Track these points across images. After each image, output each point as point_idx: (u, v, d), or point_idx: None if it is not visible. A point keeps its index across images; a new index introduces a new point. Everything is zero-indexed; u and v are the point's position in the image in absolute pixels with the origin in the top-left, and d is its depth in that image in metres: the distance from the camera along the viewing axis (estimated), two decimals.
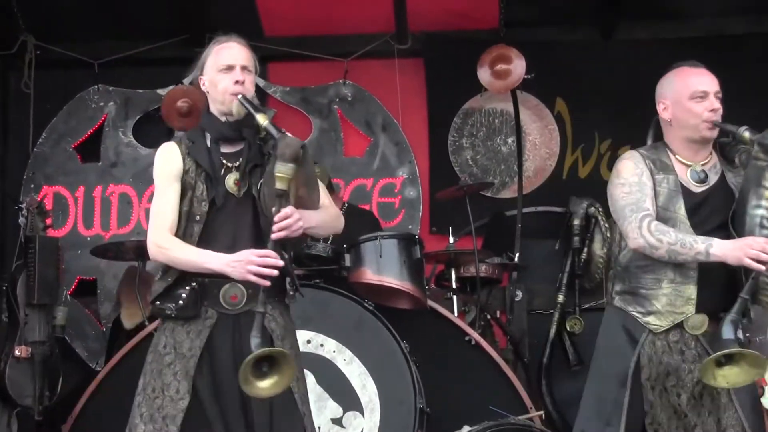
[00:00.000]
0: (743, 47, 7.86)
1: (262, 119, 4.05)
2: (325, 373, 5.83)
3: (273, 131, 4.01)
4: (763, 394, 4.79)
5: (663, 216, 4.31)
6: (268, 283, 3.96)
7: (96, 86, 8.20)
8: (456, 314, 6.47)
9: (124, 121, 8.21)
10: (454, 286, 6.69)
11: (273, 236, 3.97)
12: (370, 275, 5.99)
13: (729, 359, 4.03)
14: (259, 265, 3.95)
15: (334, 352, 5.85)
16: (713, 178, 4.37)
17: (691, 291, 4.22)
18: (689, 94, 4.33)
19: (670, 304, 4.25)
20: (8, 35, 8.02)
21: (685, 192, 4.33)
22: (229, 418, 4.03)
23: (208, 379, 4.06)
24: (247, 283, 4.03)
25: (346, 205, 7.33)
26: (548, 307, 7.25)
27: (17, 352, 6.40)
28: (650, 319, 4.28)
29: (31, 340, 6.48)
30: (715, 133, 4.33)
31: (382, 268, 5.99)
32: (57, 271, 6.87)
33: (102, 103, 8.21)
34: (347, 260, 6.07)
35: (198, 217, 4.12)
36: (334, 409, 5.79)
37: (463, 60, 7.92)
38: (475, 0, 7.94)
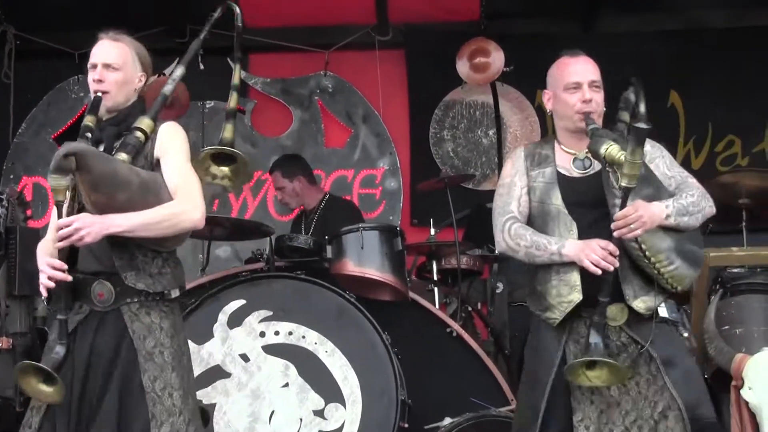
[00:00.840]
0: (724, 40, 7.89)
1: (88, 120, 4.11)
2: (306, 364, 5.82)
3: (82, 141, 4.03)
4: (742, 386, 4.81)
5: (540, 210, 4.31)
6: (52, 284, 3.97)
7: (76, 77, 8.18)
8: (437, 306, 6.49)
9: None
10: (435, 277, 6.71)
11: (57, 245, 3.98)
12: (351, 267, 6.00)
13: (595, 363, 4.05)
14: (50, 272, 3.98)
15: (315, 343, 5.85)
16: (598, 165, 4.30)
17: (575, 278, 4.18)
18: (563, 85, 4.34)
19: (558, 294, 4.22)
20: None
21: (563, 181, 4.30)
22: (77, 414, 4.01)
23: (67, 373, 4.02)
24: (115, 282, 4.03)
25: (328, 196, 7.34)
26: None
27: None
28: (547, 314, 4.26)
29: (12, 331, 6.44)
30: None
31: (364, 260, 5.99)
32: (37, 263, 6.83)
33: (82, 94, 8.18)
34: (329, 252, 6.07)
35: None
36: (315, 400, 5.79)
37: (444, 52, 7.94)
38: None
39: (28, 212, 6.80)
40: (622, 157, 4.00)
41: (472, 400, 5.71)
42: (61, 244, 3.95)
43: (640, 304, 4.17)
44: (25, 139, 8.15)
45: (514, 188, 4.37)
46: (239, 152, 4.18)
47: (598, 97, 4.31)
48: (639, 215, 4.05)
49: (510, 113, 8.22)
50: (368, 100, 8.28)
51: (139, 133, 4.14)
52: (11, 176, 8.11)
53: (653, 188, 4.21)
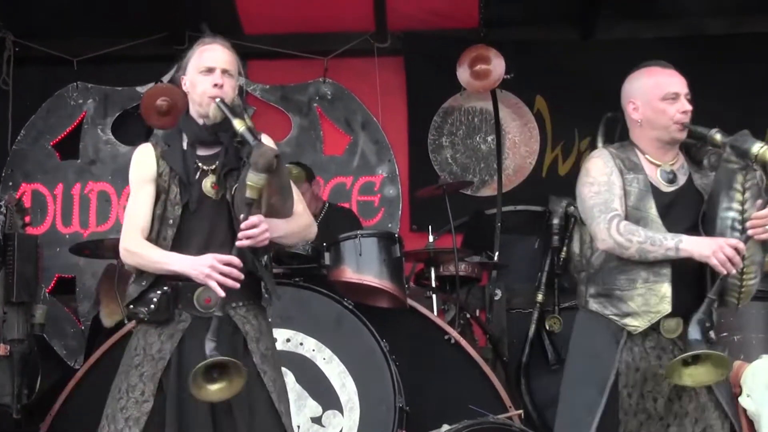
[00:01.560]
0: (723, 48, 7.90)
1: (239, 125, 4.02)
2: (304, 371, 5.82)
3: (249, 138, 3.98)
4: (740, 394, 4.81)
5: (634, 216, 4.27)
6: (223, 293, 3.93)
7: (75, 83, 8.18)
8: (435, 313, 6.47)
9: (103, 118, 8.19)
10: (433, 284, 6.69)
11: (237, 243, 3.97)
12: (350, 274, 5.99)
13: (695, 359, 4.02)
14: (220, 272, 3.95)
15: (313, 350, 5.85)
16: (682, 179, 4.33)
17: (666, 289, 4.17)
18: (661, 95, 4.29)
19: (645, 303, 4.20)
20: None
21: (656, 192, 4.29)
22: (192, 422, 4.01)
23: (174, 383, 4.03)
24: (222, 286, 3.99)
25: (327, 205, 7.33)
26: (527, 306, 7.25)
27: None
28: (627, 320, 4.23)
29: (9, 338, 6.44)
30: (684, 134, 4.28)
31: (362, 267, 5.99)
32: (36, 269, 6.83)
33: (81, 101, 8.19)
34: (327, 259, 6.07)
35: (171, 220, 4.10)
36: (313, 407, 5.79)
37: (443, 59, 7.94)
38: None
39: (27, 219, 6.81)
40: None
41: (470, 407, 5.71)
42: (246, 243, 3.96)
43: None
44: (24, 146, 8.15)
45: (614, 186, 4.29)
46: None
47: (690, 110, 4.31)
48: None
49: (509, 119, 8.22)
50: (367, 107, 8.28)
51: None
52: (10, 183, 8.08)
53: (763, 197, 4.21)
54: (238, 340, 4.09)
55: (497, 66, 7.79)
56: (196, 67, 4.18)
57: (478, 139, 8.28)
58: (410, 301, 6.14)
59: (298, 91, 8.36)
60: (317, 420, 5.78)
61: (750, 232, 4.06)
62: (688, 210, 4.30)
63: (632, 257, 4.20)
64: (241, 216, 3.97)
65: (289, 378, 5.77)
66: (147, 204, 4.13)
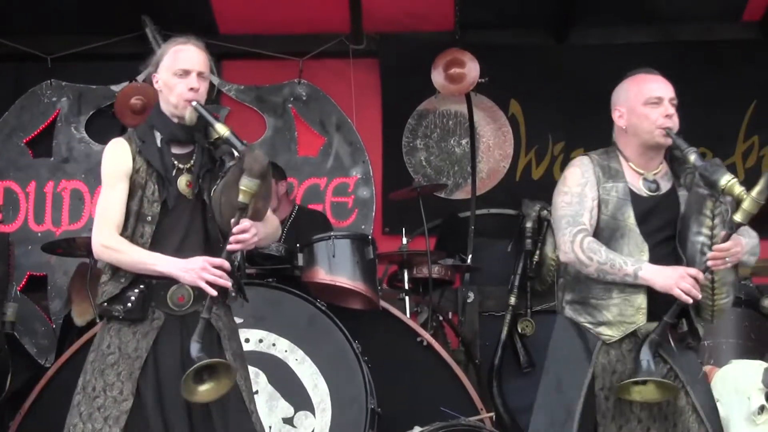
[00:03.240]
0: (696, 53, 7.94)
1: (223, 130, 4.04)
2: (276, 372, 5.83)
3: (236, 143, 4.01)
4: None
5: (611, 226, 4.29)
6: (215, 292, 3.97)
7: (49, 81, 8.13)
8: (408, 315, 6.49)
9: (77, 116, 8.15)
10: (406, 286, 6.72)
11: (229, 247, 4.01)
12: (322, 275, 6.00)
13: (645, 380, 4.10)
14: (213, 275, 3.97)
15: (286, 351, 5.85)
16: (665, 186, 4.36)
17: (642, 300, 4.20)
18: (644, 100, 4.31)
19: (620, 314, 4.23)
20: None
21: (635, 198, 4.30)
22: (172, 420, 4.02)
23: (152, 381, 4.04)
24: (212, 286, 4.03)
25: (297, 208, 7.33)
26: (500, 309, 7.29)
27: None
28: (601, 329, 4.26)
29: None
30: (669, 140, 4.29)
31: (335, 268, 6.00)
32: (7, 267, 6.82)
33: (55, 98, 8.14)
34: (300, 260, 6.08)
35: (149, 218, 4.10)
36: (285, 408, 5.79)
37: (418, 61, 7.93)
38: (431, 2, 7.94)
39: None
40: (744, 194, 4.00)
41: (441, 409, 5.72)
42: (237, 247, 4.02)
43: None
44: None
45: (585, 199, 4.32)
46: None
47: (676, 116, 4.32)
48: (737, 251, 4.11)
49: (483, 123, 8.23)
50: (342, 108, 8.28)
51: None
52: None
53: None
54: (212, 337, 4.09)
55: (472, 69, 7.79)
56: (171, 68, 4.17)
57: (452, 142, 8.29)
58: (383, 303, 6.16)
59: (272, 91, 8.34)
60: (289, 421, 5.78)
61: (710, 263, 4.10)
62: (668, 217, 4.32)
63: (590, 275, 4.25)
64: (232, 220, 3.99)
65: (261, 378, 5.78)
66: (122, 200, 4.12)
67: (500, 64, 7.90)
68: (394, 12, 7.96)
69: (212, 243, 4.13)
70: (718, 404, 4.53)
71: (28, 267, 7.90)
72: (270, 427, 5.71)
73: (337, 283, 5.98)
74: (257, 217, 4.10)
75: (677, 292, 4.09)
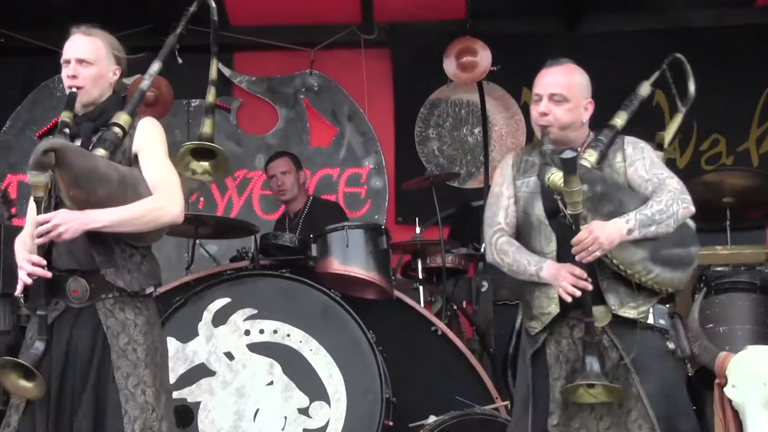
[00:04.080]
0: (708, 39, 7.91)
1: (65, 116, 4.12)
2: (291, 363, 5.83)
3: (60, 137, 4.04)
4: (726, 384, 4.81)
5: (524, 220, 4.31)
6: (29, 280, 3.97)
7: (61, 74, 8.12)
8: (422, 305, 6.49)
9: None
10: (420, 276, 6.71)
11: (36, 241, 3.98)
12: (336, 265, 6.00)
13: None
14: (29, 272, 3.98)
15: (300, 342, 5.86)
16: None
17: (554, 291, 4.18)
18: (532, 97, 4.35)
19: (539, 306, 4.26)
20: None
21: (546, 191, 4.19)
22: (57, 409, 4.03)
23: (46, 369, 4.03)
24: (90, 278, 4.04)
25: (312, 198, 7.32)
26: (514, 298, 7.23)
27: None
28: (531, 323, 4.30)
29: None
30: (553, 136, 4.25)
31: (349, 258, 6.00)
32: None
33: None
34: (314, 250, 6.07)
35: None
36: (300, 399, 5.79)
37: (429, 51, 7.93)
38: None
39: (13, 210, 6.78)
40: (562, 186, 3.97)
41: (456, 399, 5.72)
42: (41, 240, 3.95)
43: (629, 311, 4.18)
44: (9, 137, 8.13)
45: (501, 198, 4.37)
46: (218, 147, 4.16)
47: (558, 111, 4.25)
48: (594, 237, 4.02)
49: (495, 111, 8.23)
50: (354, 98, 8.28)
51: (116, 129, 4.12)
52: None
53: (614, 204, 4.16)
54: (99, 334, 4.07)
55: (484, 58, 7.79)
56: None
57: (464, 131, 8.29)
58: (397, 293, 6.16)
59: (284, 82, 8.35)
60: (304, 411, 5.78)
61: (577, 258, 4.06)
62: None
63: (508, 274, 4.30)
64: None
65: (276, 369, 5.79)
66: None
67: (512, 52, 7.89)
68: (404, 1, 7.96)
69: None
70: (734, 390, 4.51)
71: None
72: (285, 418, 5.73)
73: (351, 274, 5.98)
74: (87, 204, 3.97)
75: (560, 292, 4.11)
